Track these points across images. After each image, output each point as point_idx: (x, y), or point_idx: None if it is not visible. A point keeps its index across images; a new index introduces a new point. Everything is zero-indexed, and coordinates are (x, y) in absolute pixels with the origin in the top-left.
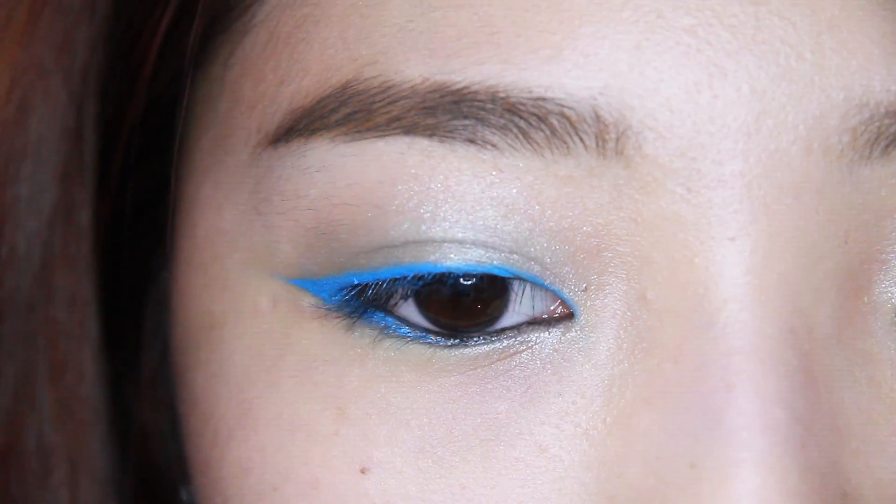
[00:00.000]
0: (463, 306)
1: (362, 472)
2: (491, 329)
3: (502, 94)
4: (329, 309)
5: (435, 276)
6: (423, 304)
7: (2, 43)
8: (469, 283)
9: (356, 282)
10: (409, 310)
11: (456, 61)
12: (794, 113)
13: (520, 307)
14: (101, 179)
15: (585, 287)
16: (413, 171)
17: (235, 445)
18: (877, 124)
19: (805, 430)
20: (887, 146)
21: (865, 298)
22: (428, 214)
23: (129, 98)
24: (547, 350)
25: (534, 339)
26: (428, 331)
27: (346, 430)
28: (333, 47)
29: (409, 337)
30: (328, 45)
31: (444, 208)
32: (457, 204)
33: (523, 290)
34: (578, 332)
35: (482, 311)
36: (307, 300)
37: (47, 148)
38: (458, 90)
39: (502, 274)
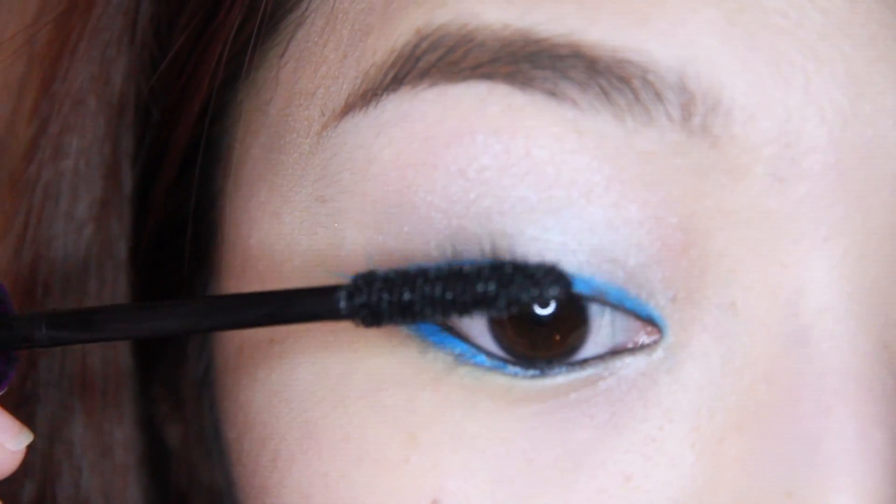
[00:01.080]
0: (539, 336)
1: (434, 503)
2: (572, 360)
3: (585, 51)
4: None
5: None
6: (498, 332)
7: (40, 73)
8: (547, 312)
9: None
10: (485, 338)
11: (537, 13)
12: (892, 95)
13: (600, 337)
14: (139, 210)
15: (674, 297)
16: (494, 123)
17: (297, 470)
18: None
19: None
20: None
21: None
22: (509, 186)
23: (172, 129)
24: (633, 374)
25: (619, 364)
26: (505, 360)
27: (418, 458)
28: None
29: (486, 366)
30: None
31: (526, 181)
32: (539, 177)
33: (602, 317)
34: (666, 350)
35: (560, 343)
36: None
37: (84, 183)
38: (540, 41)
39: (583, 289)
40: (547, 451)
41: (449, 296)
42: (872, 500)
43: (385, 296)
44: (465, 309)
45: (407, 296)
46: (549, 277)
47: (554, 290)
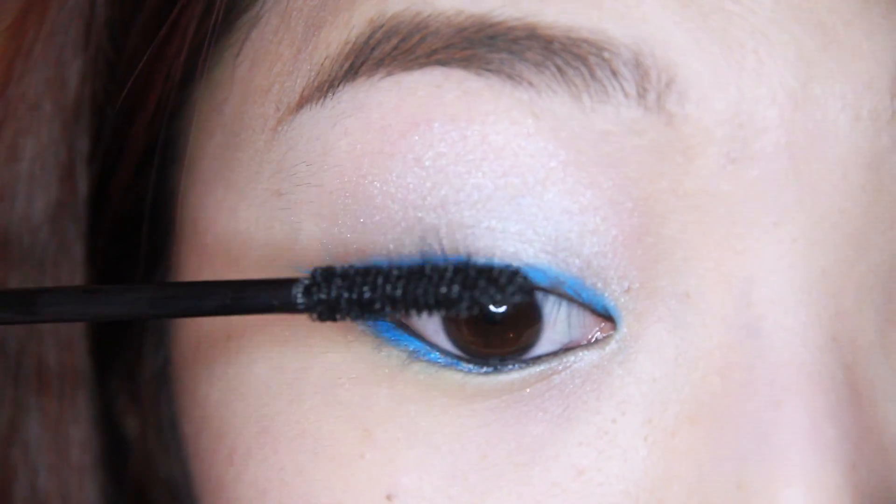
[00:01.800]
0: (494, 334)
1: (388, 498)
2: (526, 357)
3: (541, 32)
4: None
5: None
6: (452, 331)
7: None
8: (501, 310)
9: None
10: (439, 336)
11: None
12: (842, 80)
13: (554, 334)
14: (95, 210)
15: (628, 287)
16: (450, 110)
17: (253, 465)
18: None
19: (855, 449)
20: None
21: None
22: (465, 173)
23: (127, 130)
24: (586, 367)
25: (572, 358)
26: (459, 358)
27: (372, 454)
28: None
29: (440, 363)
30: None
31: (482, 169)
32: (495, 163)
33: (557, 313)
34: (620, 342)
35: (514, 339)
36: None
37: (39, 186)
38: (496, 24)
39: (540, 280)
40: (501, 445)
41: (410, 296)
42: (822, 492)
43: (345, 293)
44: (427, 309)
45: (367, 294)
46: (511, 282)
47: (517, 296)
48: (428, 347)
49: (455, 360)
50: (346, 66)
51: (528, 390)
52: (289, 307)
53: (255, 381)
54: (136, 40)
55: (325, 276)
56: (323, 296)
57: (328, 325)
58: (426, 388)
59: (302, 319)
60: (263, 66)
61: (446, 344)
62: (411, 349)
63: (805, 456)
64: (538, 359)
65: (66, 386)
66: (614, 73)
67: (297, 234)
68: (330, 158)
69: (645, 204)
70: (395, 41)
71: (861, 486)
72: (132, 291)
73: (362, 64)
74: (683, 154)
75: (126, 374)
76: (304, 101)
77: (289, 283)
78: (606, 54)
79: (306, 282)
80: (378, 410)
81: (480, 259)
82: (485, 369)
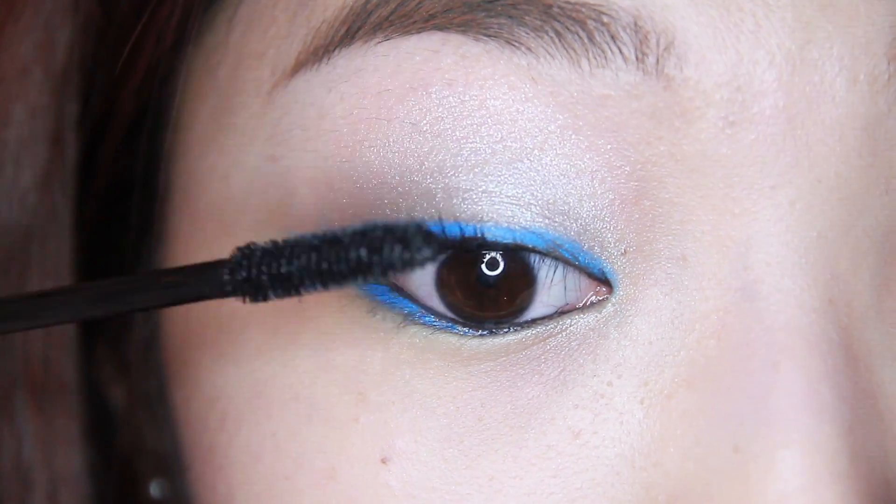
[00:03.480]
0: (488, 297)
1: (383, 462)
2: (521, 320)
3: None
4: None
5: (462, 244)
6: (446, 294)
7: None
8: (495, 273)
9: None
10: (433, 300)
11: None
12: (839, 43)
13: (549, 297)
14: (85, 176)
15: (625, 250)
16: (447, 75)
17: (245, 430)
18: None
19: (851, 412)
20: None
21: None
22: (463, 138)
23: (117, 94)
24: (582, 329)
25: (568, 322)
26: (453, 321)
27: (367, 417)
28: None
29: (435, 326)
30: None
31: (480, 133)
32: (493, 128)
33: (553, 276)
34: (616, 305)
35: (509, 302)
36: None
37: (27, 152)
38: None
39: (537, 243)
40: (496, 408)
41: (325, 265)
42: (819, 454)
43: (264, 268)
44: (343, 278)
45: (284, 268)
46: (417, 237)
47: (425, 252)
48: (423, 310)
49: (450, 323)
50: (343, 30)
51: (523, 353)
52: (219, 291)
53: (248, 346)
54: (127, 4)
55: (246, 253)
56: (245, 274)
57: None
58: (421, 350)
59: None
60: (258, 29)
61: (441, 307)
62: (406, 312)
63: (802, 418)
64: (533, 322)
65: (51, 354)
66: (613, 38)
67: (292, 200)
68: (326, 124)
69: (643, 168)
70: (392, 5)
71: (857, 449)
72: (67, 294)
73: (359, 28)
74: (682, 117)
75: (112, 342)
76: (299, 66)
77: (215, 266)
78: (605, 18)
79: (231, 264)
80: (372, 374)
81: (472, 225)
82: (480, 332)
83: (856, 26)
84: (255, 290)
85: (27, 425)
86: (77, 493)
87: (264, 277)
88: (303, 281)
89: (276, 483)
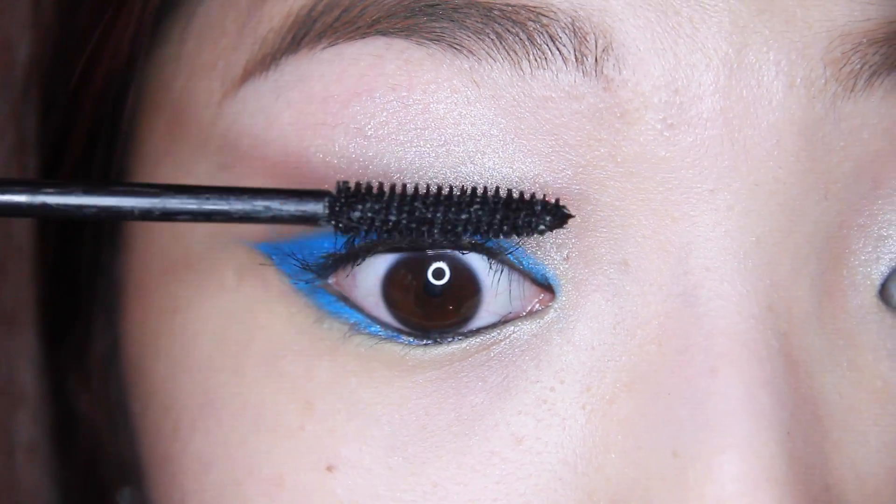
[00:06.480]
0: (433, 307)
1: (329, 469)
2: (465, 329)
3: (479, 0)
4: (295, 288)
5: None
6: (393, 304)
7: None
8: (441, 282)
9: (325, 248)
10: (380, 310)
11: None
12: (776, 47)
13: (494, 306)
14: None
15: (567, 255)
16: (391, 80)
17: (198, 438)
18: (860, 54)
19: (790, 417)
20: (870, 77)
21: (844, 271)
22: (407, 142)
23: (75, 108)
24: (525, 336)
25: (511, 329)
26: (399, 331)
27: (313, 426)
28: None
29: (381, 336)
30: None
31: (424, 137)
32: (436, 132)
33: (498, 284)
34: (558, 311)
35: (454, 312)
36: (273, 276)
37: None
38: None
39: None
40: (440, 416)
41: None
42: (756, 459)
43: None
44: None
45: (394, 216)
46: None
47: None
48: (369, 320)
49: (395, 333)
50: (289, 38)
51: (467, 361)
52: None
53: (200, 354)
54: (84, 18)
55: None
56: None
57: (273, 292)
58: (367, 360)
59: (246, 291)
60: (209, 41)
61: (387, 317)
62: (352, 322)
63: (739, 423)
64: (478, 330)
65: (11, 363)
66: (552, 39)
67: None
68: (273, 131)
69: (584, 171)
70: (336, 12)
71: (796, 454)
72: (148, 189)
73: (304, 36)
74: (621, 119)
75: (76, 354)
76: (247, 75)
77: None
78: (545, 20)
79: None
80: (319, 382)
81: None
82: (424, 341)
83: (792, 31)
84: (349, 225)
85: None
86: (41, 503)
87: (360, 214)
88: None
89: (227, 490)
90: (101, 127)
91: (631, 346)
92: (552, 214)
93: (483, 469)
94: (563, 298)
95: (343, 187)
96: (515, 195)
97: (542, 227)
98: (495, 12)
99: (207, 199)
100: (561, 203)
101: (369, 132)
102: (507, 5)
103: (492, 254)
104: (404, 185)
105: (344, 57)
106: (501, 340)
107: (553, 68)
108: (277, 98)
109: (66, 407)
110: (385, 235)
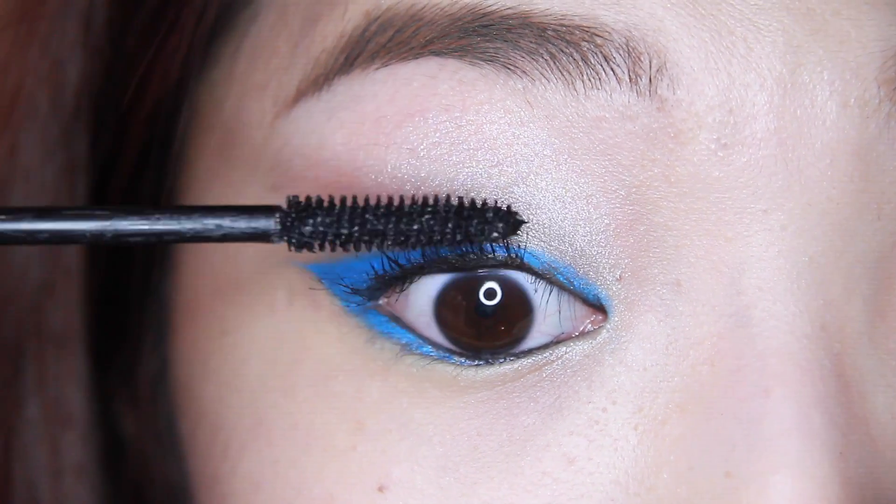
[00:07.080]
0: (485, 327)
1: (380, 490)
2: (517, 350)
3: (534, 20)
4: (346, 310)
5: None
6: (445, 325)
7: None
8: (493, 303)
9: (376, 268)
10: (431, 330)
11: None
12: (830, 67)
13: (546, 326)
14: None
15: (619, 276)
16: (444, 101)
17: (247, 458)
18: None
19: (843, 438)
20: None
21: None
22: (460, 163)
23: (126, 130)
24: (578, 357)
25: (564, 350)
26: (451, 351)
27: (365, 446)
28: None
29: (433, 356)
30: None
31: (476, 158)
32: (489, 153)
33: (548, 305)
34: (611, 332)
35: (506, 332)
36: (324, 297)
37: (37, 187)
38: (489, 13)
39: (533, 264)
40: (492, 436)
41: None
42: (810, 479)
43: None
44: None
45: (345, 228)
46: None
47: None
48: (420, 340)
49: (447, 354)
50: (342, 58)
51: (519, 381)
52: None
53: (250, 375)
54: (135, 40)
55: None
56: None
57: (323, 313)
58: (418, 380)
59: (298, 314)
60: (261, 61)
61: (439, 337)
62: (404, 342)
63: (792, 444)
64: (530, 351)
65: (63, 387)
66: (606, 59)
67: None
68: (325, 152)
69: (637, 191)
70: (390, 33)
71: (849, 475)
72: (98, 213)
73: (358, 56)
74: (675, 139)
75: (124, 375)
76: (300, 95)
77: (268, 210)
78: (599, 40)
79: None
80: (370, 402)
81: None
82: (476, 362)
83: (846, 51)
84: (301, 240)
85: (38, 457)
86: None
87: (311, 229)
88: (361, 238)
89: None
90: (152, 148)
91: (683, 367)
92: (504, 221)
93: (534, 490)
94: (616, 319)
95: (293, 202)
96: (467, 203)
97: (494, 234)
98: (549, 32)
99: (158, 219)
100: (513, 209)
101: (422, 153)
102: (562, 25)
103: (539, 274)
104: (354, 198)
105: (397, 77)
106: (553, 361)
107: (607, 88)
108: (330, 119)
109: (114, 428)
110: (340, 249)
